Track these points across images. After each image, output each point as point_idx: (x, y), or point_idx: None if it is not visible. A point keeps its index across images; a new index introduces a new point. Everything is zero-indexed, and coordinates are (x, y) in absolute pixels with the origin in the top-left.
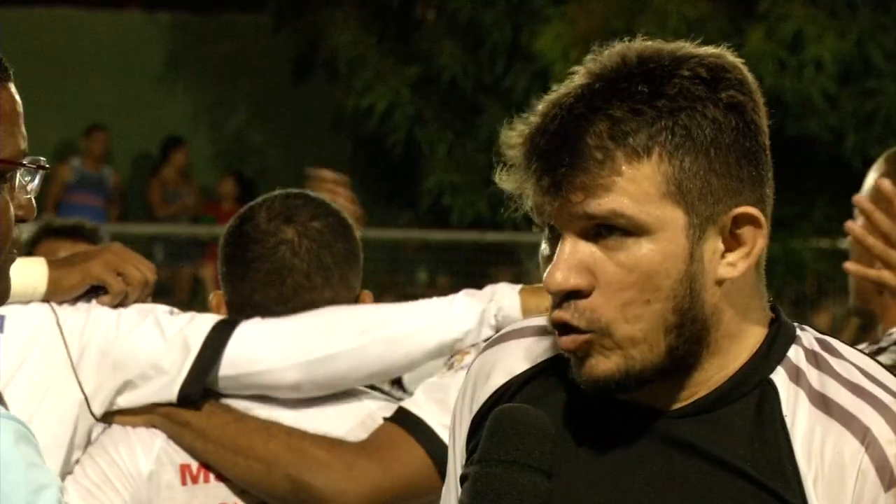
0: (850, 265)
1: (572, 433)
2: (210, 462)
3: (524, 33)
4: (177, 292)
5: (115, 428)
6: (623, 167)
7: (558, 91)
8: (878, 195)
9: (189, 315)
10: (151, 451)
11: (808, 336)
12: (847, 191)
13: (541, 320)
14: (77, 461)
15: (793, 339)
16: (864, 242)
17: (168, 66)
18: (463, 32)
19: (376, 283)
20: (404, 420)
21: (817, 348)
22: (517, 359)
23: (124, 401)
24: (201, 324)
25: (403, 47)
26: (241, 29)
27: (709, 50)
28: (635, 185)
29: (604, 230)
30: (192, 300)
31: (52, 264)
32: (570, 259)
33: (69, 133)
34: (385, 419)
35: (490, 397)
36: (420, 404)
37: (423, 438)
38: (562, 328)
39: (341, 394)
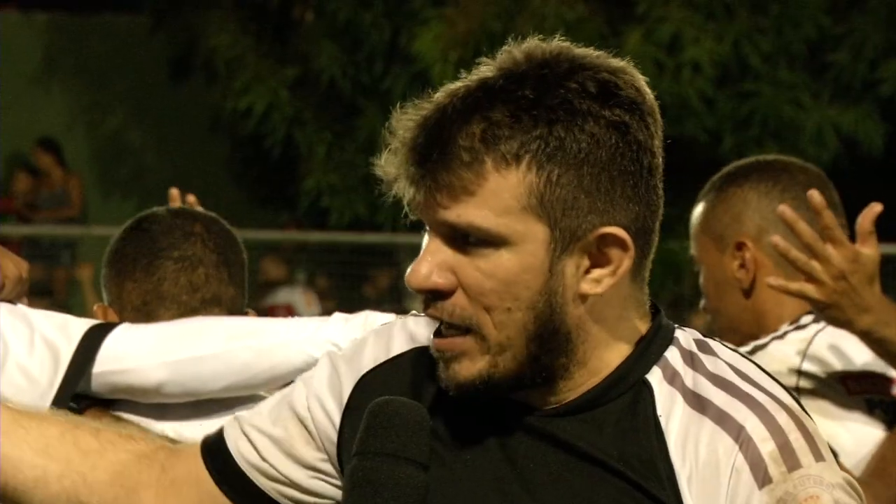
0: (772, 280)
1: (446, 427)
2: None
3: (403, 35)
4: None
5: None
6: (489, 173)
7: (461, 81)
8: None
9: (62, 318)
10: None
11: (686, 337)
12: None
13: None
14: None
15: (670, 340)
16: (788, 256)
17: (44, 66)
18: (341, 33)
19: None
20: None
21: (694, 349)
22: (399, 342)
23: None
24: (73, 331)
25: (282, 48)
26: (118, 29)
27: (611, 63)
28: (497, 196)
29: (463, 237)
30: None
31: None
32: (433, 258)
33: None
34: None
35: (368, 372)
36: None
37: None
38: (436, 332)
39: (238, 399)
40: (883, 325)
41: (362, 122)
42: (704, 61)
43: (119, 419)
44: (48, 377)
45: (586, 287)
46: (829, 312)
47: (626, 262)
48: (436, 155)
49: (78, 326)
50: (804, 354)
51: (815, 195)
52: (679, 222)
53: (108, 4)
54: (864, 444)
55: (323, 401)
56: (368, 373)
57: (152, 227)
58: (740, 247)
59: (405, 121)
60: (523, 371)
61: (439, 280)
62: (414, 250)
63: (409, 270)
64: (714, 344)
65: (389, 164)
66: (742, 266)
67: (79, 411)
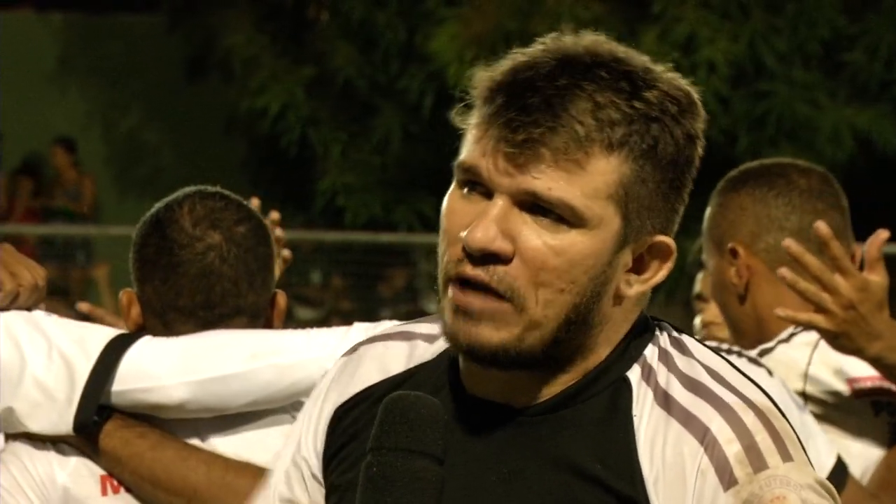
0: (780, 311)
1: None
2: (131, 489)
3: (418, 34)
4: None
5: (31, 441)
6: (595, 154)
7: (521, 55)
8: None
9: (80, 330)
10: (68, 464)
11: (664, 334)
12: None
13: (411, 325)
14: None
15: (651, 337)
16: (796, 287)
17: (60, 66)
18: (357, 33)
19: None
20: None
21: (669, 347)
22: (395, 359)
23: (21, 428)
24: (92, 344)
25: (297, 48)
26: (133, 29)
27: (675, 75)
28: (591, 178)
29: (540, 209)
30: None
31: None
32: (499, 222)
33: None
34: None
35: (360, 392)
36: None
37: None
38: (468, 285)
39: (267, 412)
40: (893, 351)
41: (378, 121)
42: (720, 61)
43: (142, 432)
44: (66, 394)
45: (622, 287)
46: (839, 341)
47: (661, 273)
48: (550, 121)
49: (96, 340)
50: (811, 356)
51: (821, 227)
52: (694, 222)
53: (123, 4)
54: (871, 446)
55: (309, 458)
56: (340, 407)
57: (172, 237)
58: (734, 253)
59: (490, 80)
60: (540, 354)
61: (504, 245)
62: (430, 250)
63: (470, 229)
64: (689, 341)
65: (466, 119)
66: (737, 272)
67: (101, 422)
